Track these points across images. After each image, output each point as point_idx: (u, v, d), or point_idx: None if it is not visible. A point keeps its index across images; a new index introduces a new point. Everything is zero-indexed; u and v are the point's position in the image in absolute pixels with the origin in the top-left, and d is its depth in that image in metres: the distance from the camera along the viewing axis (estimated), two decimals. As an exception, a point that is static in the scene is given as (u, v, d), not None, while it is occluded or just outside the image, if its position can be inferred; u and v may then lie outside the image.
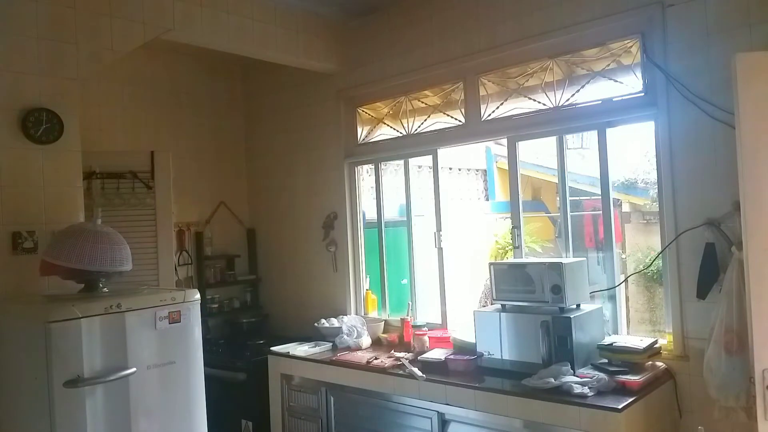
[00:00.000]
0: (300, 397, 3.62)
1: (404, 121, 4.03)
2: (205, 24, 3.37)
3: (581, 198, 5.91)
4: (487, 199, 8.06)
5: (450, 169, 7.46)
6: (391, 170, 5.27)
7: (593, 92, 3.21)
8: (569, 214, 3.35)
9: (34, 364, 2.21)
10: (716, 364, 2.55)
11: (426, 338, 3.52)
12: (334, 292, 4.28)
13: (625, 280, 3.44)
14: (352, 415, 3.36)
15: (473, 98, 3.65)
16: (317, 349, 3.72)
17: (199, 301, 2.64)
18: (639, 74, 3.01)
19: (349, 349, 3.68)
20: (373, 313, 4.16)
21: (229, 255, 4.65)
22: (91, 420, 2.23)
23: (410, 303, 3.96)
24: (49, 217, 2.74)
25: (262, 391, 3.79)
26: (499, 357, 3.02)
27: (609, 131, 3.12)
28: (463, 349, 3.25)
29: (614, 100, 3.12)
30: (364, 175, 4.43)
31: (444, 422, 2.94)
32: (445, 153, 3.93)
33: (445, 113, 3.82)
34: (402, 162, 4.11)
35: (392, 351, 3.54)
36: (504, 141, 3.57)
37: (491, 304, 3.29)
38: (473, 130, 3.67)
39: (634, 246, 5.67)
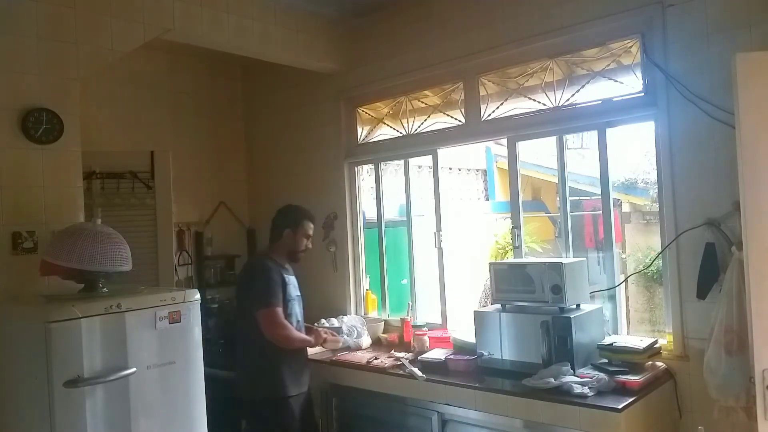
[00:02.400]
0: (300, 397, 3.62)
1: (404, 121, 4.03)
2: (205, 24, 3.37)
3: (581, 198, 5.91)
4: (487, 199, 8.06)
5: (450, 169, 7.47)
6: (391, 170, 5.27)
7: (593, 92, 3.21)
8: (569, 214, 3.35)
9: (34, 364, 2.21)
10: (716, 364, 2.55)
11: (426, 338, 3.52)
12: (334, 292, 4.28)
13: (625, 280, 3.44)
14: (352, 415, 3.36)
15: (473, 98, 3.65)
16: (317, 349, 3.71)
17: (199, 301, 2.64)
18: (639, 74, 3.01)
19: (349, 349, 3.68)
20: (373, 313, 4.16)
21: (229, 255, 4.64)
22: (91, 420, 2.23)
23: (410, 303, 3.96)
24: (49, 217, 2.74)
25: (262, 391, 3.78)
26: (499, 357, 3.02)
27: (609, 131, 3.12)
28: (463, 349, 3.25)
29: (614, 100, 3.12)
30: (364, 175, 4.43)
31: (444, 422, 2.94)
32: (445, 153, 3.93)
33: (445, 113, 3.82)
34: (402, 162, 4.11)
35: (392, 351, 3.54)
36: (504, 141, 3.57)
37: (491, 304, 3.29)
38: (473, 130, 3.67)
39: (634, 246, 5.68)
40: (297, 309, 3.15)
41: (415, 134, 3.97)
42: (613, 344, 2.87)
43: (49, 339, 2.16)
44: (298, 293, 3.20)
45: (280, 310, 2.98)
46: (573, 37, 3.18)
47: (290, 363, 3.04)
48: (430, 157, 3.87)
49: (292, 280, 3.16)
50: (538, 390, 2.64)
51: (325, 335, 3.30)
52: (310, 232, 3.25)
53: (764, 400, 2.21)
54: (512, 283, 3.07)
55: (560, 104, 3.31)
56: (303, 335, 3.15)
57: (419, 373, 3.04)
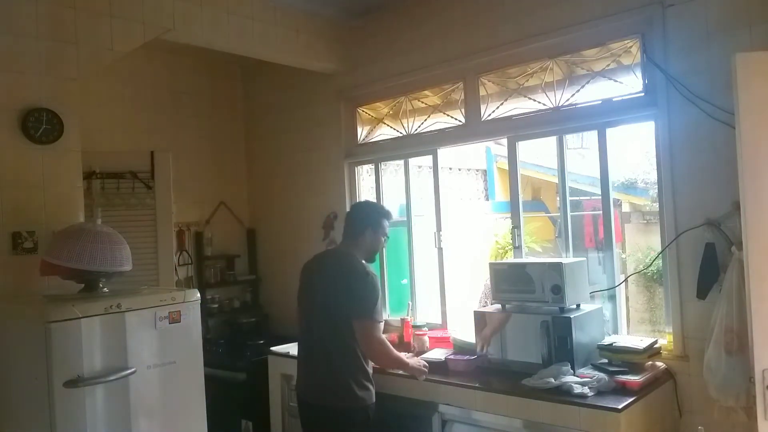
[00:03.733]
0: (300, 397, 3.61)
1: (404, 121, 4.03)
2: (205, 24, 3.37)
3: (581, 198, 5.91)
4: (487, 199, 8.05)
5: (450, 169, 7.45)
6: (391, 170, 5.26)
7: (593, 92, 3.20)
8: (569, 214, 3.35)
9: (34, 364, 2.21)
10: (716, 364, 2.55)
11: (426, 338, 3.52)
12: (334, 292, 4.27)
13: (625, 280, 3.44)
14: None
15: (473, 98, 3.65)
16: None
17: (199, 301, 2.64)
18: (639, 74, 3.01)
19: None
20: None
21: (229, 255, 4.65)
22: (91, 420, 2.23)
23: (410, 303, 3.95)
24: (49, 217, 2.74)
25: (262, 391, 3.79)
26: (499, 357, 3.02)
27: (609, 131, 3.12)
28: (463, 349, 3.25)
29: (614, 100, 3.12)
30: (364, 175, 4.43)
31: (444, 422, 2.93)
32: (445, 153, 3.93)
33: (445, 113, 3.82)
34: (402, 162, 4.11)
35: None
36: (504, 141, 3.57)
37: (491, 304, 3.29)
38: (473, 130, 3.67)
39: (634, 246, 5.67)
40: None
41: (415, 134, 3.97)
42: (613, 344, 2.87)
43: (49, 339, 2.16)
44: None
45: (382, 325, 2.83)
46: (573, 37, 3.18)
47: (371, 369, 2.90)
48: (430, 157, 3.87)
49: None
50: (538, 390, 2.64)
51: (420, 366, 3.02)
52: (387, 230, 3.09)
53: (764, 400, 2.21)
54: (512, 283, 3.06)
55: (560, 104, 3.31)
56: (400, 356, 2.95)
57: None
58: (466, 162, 7.76)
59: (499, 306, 3.12)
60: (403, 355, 3.04)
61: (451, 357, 3.13)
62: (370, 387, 2.84)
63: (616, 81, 3.12)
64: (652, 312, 4.71)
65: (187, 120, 4.53)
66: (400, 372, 3.13)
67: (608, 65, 3.14)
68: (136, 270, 2.73)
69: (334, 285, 2.87)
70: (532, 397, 2.64)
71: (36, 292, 2.61)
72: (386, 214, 3.10)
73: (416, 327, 3.67)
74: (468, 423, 2.85)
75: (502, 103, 3.54)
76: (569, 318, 2.78)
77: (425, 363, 3.06)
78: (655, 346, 2.84)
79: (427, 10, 3.76)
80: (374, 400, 2.85)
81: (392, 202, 4.67)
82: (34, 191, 2.73)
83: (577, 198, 5.69)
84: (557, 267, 2.89)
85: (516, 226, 3.49)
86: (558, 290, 2.87)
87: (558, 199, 3.45)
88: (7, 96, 2.67)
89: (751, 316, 2.24)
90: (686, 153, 2.82)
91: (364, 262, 2.93)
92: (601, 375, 2.66)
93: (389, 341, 3.72)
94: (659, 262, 3.01)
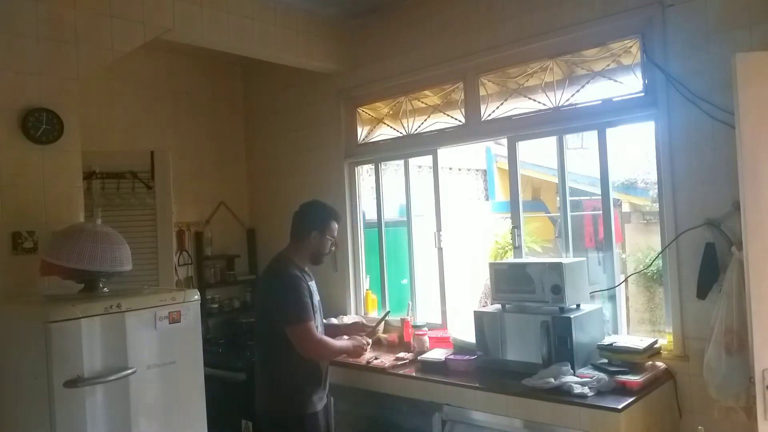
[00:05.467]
0: (300, 397, 3.61)
1: (404, 121, 4.02)
2: (205, 24, 3.37)
3: (581, 198, 5.92)
4: (487, 199, 8.07)
5: (450, 169, 7.46)
6: (391, 170, 5.27)
7: (593, 92, 3.21)
8: (569, 214, 3.35)
9: (34, 364, 2.21)
10: (716, 364, 2.55)
11: (426, 338, 3.52)
12: (334, 292, 4.27)
13: (625, 280, 3.44)
14: (352, 415, 3.36)
15: (473, 98, 3.65)
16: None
17: (199, 301, 2.64)
18: (639, 74, 3.01)
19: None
20: (373, 313, 4.16)
21: (229, 255, 4.64)
22: (91, 420, 2.23)
23: (410, 303, 3.95)
24: (49, 217, 2.74)
25: (262, 391, 3.78)
26: (499, 357, 3.02)
27: (609, 131, 3.12)
28: (463, 349, 3.25)
29: (614, 100, 3.12)
30: (364, 175, 4.43)
31: (444, 422, 2.93)
32: (445, 153, 3.93)
33: (445, 113, 3.82)
34: (402, 162, 4.11)
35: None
36: (504, 141, 3.57)
37: (491, 304, 3.29)
38: (473, 130, 3.67)
39: (634, 246, 5.68)
40: (319, 318, 2.90)
41: (415, 134, 3.97)
42: (613, 344, 2.87)
43: (49, 339, 2.16)
44: (318, 298, 2.95)
45: (312, 324, 2.73)
46: (573, 37, 3.18)
47: (317, 377, 2.83)
48: (430, 157, 3.87)
49: (313, 286, 2.92)
50: (538, 390, 2.64)
51: (365, 342, 3.01)
52: (336, 233, 3.00)
53: (764, 400, 2.21)
54: (512, 283, 3.06)
55: (560, 104, 3.31)
56: (340, 344, 2.91)
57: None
58: (466, 162, 7.77)
59: (499, 306, 3.12)
60: (343, 342, 2.99)
61: (451, 357, 3.13)
62: (303, 395, 2.75)
63: (616, 81, 3.12)
64: (652, 312, 4.72)
65: (187, 120, 4.52)
66: (399, 372, 3.14)
67: (608, 65, 3.14)
68: (136, 270, 2.73)
69: (262, 293, 2.97)
70: (532, 397, 2.64)
71: (36, 292, 2.61)
72: (335, 216, 3.02)
73: (416, 327, 3.67)
74: (468, 423, 2.85)
75: (502, 103, 3.54)
76: (569, 318, 2.78)
77: (366, 341, 3.03)
78: (655, 346, 2.84)
79: (427, 10, 3.76)
80: (318, 408, 2.80)
81: (392, 202, 4.69)
82: (34, 191, 2.72)
83: (577, 198, 5.70)
84: (557, 267, 2.89)
85: (516, 226, 3.49)
86: (558, 290, 2.87)
87: (558, 199, 3.45)
88: (7, 96, 2.67)
89: (751, 316, 2.24)
90: (686, 153, 2.82)
91: (288, 265, 2.83)
92: (601, 375, 2.66)
93: (390, 341, 3.77)
94: (659, 262, 3.01)
